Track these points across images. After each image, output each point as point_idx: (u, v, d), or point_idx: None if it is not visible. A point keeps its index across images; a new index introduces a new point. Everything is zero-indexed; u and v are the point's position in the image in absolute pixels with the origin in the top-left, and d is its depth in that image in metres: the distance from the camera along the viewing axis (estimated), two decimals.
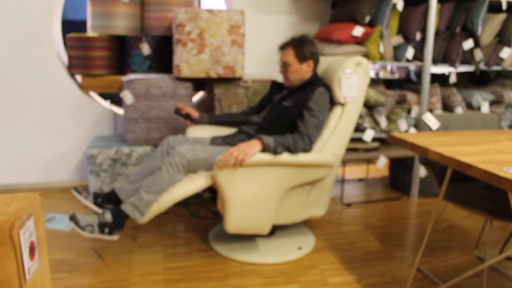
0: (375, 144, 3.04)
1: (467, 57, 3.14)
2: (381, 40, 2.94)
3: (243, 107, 2.91)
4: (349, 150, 2.98)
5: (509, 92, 3.24)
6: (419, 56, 3.08)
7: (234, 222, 2.07)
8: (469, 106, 3.20)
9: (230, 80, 2.89)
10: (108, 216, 2.02)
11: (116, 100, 3.42)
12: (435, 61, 3.12)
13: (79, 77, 3.19)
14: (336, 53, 2.83)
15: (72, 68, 3.05)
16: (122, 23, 2.97)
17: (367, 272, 2.16)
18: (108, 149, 2.74)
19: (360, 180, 3.68)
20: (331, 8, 3.51)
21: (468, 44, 3.08)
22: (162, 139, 2.83)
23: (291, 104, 2.22)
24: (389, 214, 2.92)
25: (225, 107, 2.89)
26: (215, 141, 2.35)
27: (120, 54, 3.18)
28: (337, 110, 2.26)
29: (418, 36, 2.99)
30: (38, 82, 3.08)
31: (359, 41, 2.91)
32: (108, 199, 2.22)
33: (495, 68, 3.22)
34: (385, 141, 3.23)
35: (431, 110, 3.13)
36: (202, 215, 2.79)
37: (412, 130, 3.07)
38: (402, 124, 3.01)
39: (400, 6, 2.92)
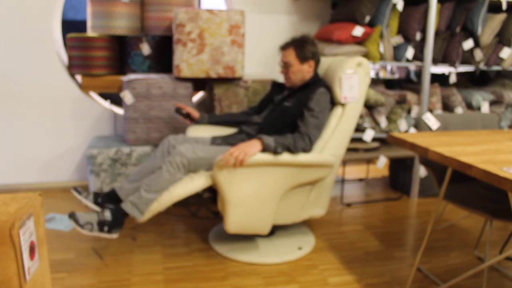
0: (375, 144, 3.04)
1: (467, 57, 3.14)
2: (381, 40, 2.94)
3: (243, 107, 2.91)
4: (349, 150, 2.98)
5: (509, 92, 3.24)
6: (419, 56, 3.08)
7: (234, 222, 2.07)
8: (469, 106, 3.20)
9: (230, 80, 2.89)
10: (107, 215, 2.02)
11: (116, 100, 3.42)
12: (435, 61, 3.12)
13: (79, 77, 3.19)
14: (336, 53, 2.83)
15: (72, 68, 3.05)
16: (122, 23, 2.97)
17: (367, 272, 2.16)
18: (108, 149, 2.74)
19: (360, 180, 3.68)
20: (331, 8, 3.51)
21: (468, 44, 3.08)
22: (162, 139, 2.83)
23: (291, 105, 2.22)
24: (389, 214, 2.92)
25: (225, 107, 2.89)
26: (216, 141, 2.35)
27: (120, 54, 3.18)
28: (337, 110, 2.26)
29: (418, 36, 2.99)
30: (38, 82, 3.08)
31: (359, 41, 2.91)
32: (108, 199, 2.22)
33: (495, 68, 3.22)
34: (385, 141, 3.23)
35: (431, 110, 3.13)
36: (202, 215, 2.79)
37: (412, 130, 3.07)
38: (402, 124, 3.01)
39: (400, 6, 2.92)
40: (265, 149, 1.99)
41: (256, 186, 2.04)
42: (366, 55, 2.90)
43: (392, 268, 2.20)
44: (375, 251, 2.38)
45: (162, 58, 3.13)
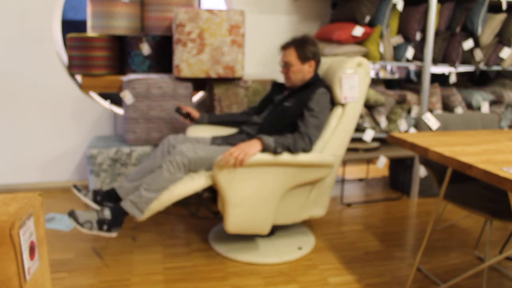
0: (375, 144, 3.04)
1: (467, 57, 3.14)
2: (381, 40, 2.94)
3: (243, 107, 2.91)
4: (349, 150, 2.98)
5: (509, 92, 3.24)
6: (419, 56, 3.08)
7: (234, 222, 2.07)
8: (469, 106, 3.20)
9: (230, 80, 2.89)
10: (107, 213, 2.01)
11: (116, 100, 3.42)
12: (435, 61, 3.12)
13: (79, 77, 3.19)
14: (336, 53, 2.83)
15: (72, 68, 3.05)
16: (122, 23, 2.97)
17: (367, 272, 2.16)
18: (108, 149, 2.74)
19: (360, 180, 3.68)
20: (331, 8, 3.51)
21: (468, 44, 3.08)
22: (162, 139, 2.83)
23: (292, 105, 2.22)
24: (389, 214, 2.92)
25: (225, 107, 2.89)
26: (216, 141, 2.35)
27: (120, 54, 3.18)
28: (337, 110, 2.26)
29: (418, 36, 2.99)
30: (38, 82, 3.08)
31: (359, 41, 2.91)
32: (108, 197, 2.22)
33: (495, 68, 3.22)
34: (385, 141, 3.23)
35: (431, 110, 3.13)
36: (202, 215, 2.79)
37: (412, 130, 3.07)
38: (402, 124, 3.01)
39: (400, 6, 2.92)
40: (265, 149, 1.99)
41: (256, 186, 2.04)
42: (366, 55, 2.90)
43: (392, 268, 2.20)
44: (375, 251, 2.38)
45: (162, 58, 3.13)
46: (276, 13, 3.42)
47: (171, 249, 2.34)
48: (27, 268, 1.17)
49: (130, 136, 2.80)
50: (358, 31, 2.81)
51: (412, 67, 3.79)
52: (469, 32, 3.11)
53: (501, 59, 3.20)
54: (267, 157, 2.00)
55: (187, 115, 2.49)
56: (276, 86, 2.47)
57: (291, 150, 2.05)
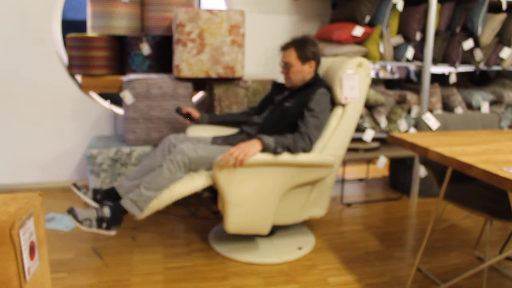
0: (375, 144, 3.04)
1: (467, 57, 3.14)
2: (381, 40, 2.94)
3: (243, 107, 2.91)
4: (349, 150, 2.98)
5: (509, 92, 3.24)
6: (419, 56, 3.08)
7: (234, 222, 2.07)
8: (469, 106, 3.20)
9: (230, 80, 2.89)
10: (106, 211, 2.01)
11: (116, 100, 3.42)
12: (435, 61, 3.12)
13: (79, 77, 3.19)
14: (336, 53, 2.83)
15: (72, 68, 3.05)
16: (122, 23, 2.97)
17: (367, 272, 2.16)
18: (108, 149, 2.74)
19: (360, 180, 3.68)
20: (331, 8, 3.51)
21: (468, 44, 3.08)
22: (162, 139, 2.83)
23: (292, 105, 2.22)
24: (389, 214, 2.92)
25: (225, 107, 2.89)
26: (216, 141, 2.35)
27: (120, 54, 3.18)
28: (338, 110, 2.26)
29: (418, 36, 2.99)
30: (38, 82, 3.08)
31: (359, 41, 2.91)
32: (107, 196, 2.21)
33: (495, 68, 3.22)
34: (385, 141, 3.23)
35: (431, 110, 3.13)
36: (202, 215, 2.79)
37: (412, 130, 3.07)
38: (402, 124, 3.01)
39: (400, 6, 2.92)
40: (265, 149, 1.99)
41: (256, 186, 2.04)
42: (366, 55, 2.90)
43: (392, 268, 2.20)
44: (375, 251, 2.38)
45: (162, 58, 3.13)
46: (276, 13, 3.42)
47: (171, 249, 2.34)
48: (27, 268, 1.17)
49: (130, 136, 2.80)
50: (358, 31, 2.81)
51: (412, 67, 3.79)
52: (469, 32, 3.11)
53: (501, 59, 3.20)
54: (267, 157, 2.00)
55: (187, 115, 2.49)
56: (276, 86, 2.47)
57: (291, 150, 2.05)
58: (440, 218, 2.87)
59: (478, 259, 2.32)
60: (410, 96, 3.09)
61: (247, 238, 2.43)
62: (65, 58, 3.23)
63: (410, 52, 2.99)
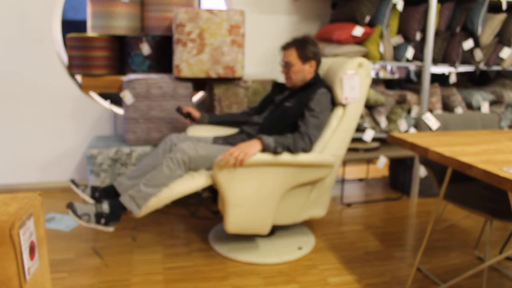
0: (375, 144, 3.04)
1: (467, 57, 3.14)
2: (381, 40, 2.94)
3: (243, 107, 2.91)
4: (349, 150, 2.98)
5: (509, 92, 3.24)
6: (419, 56, 3.08)
7: (234, 222, 2.07)
8: (469, 106, 3.20)
9: (230, 80, 2.89)
10: (105, 207, 2.01)
11: (116, 100, 3.42)
12: (435, 61, 3.12)
13: (79, 77, 3.19)
14: (336, 53, 2.83)
15: (72, 68, 3.05)
16: (122, 23, 2.97)
17: (367, 272, 2.16)
18: (108, 149, 2.74)
19: (360, 180, 3.68)
20: (331, 8, 3.51)
21: (468, 44, 3.08)
22: (162, 139, 2.83)
23: (292, 105, 2.22)
24: (389, 214, 2.92)
25: (225, 107, 2.89)
26: (217, 141, 2.35)
27: (120, 54, 3.18)
28: (338, 111, 2.26)
29: (418, 36, 2.99)
30: (38, 82, 3.08)
31: (359, 41, 2.91)
32: (106, 194, 2.20)
33: (495, 68, 3.22)
34: (385, 141, 3.23)
35: (431, 110, 3.13)
36: (202, 215, 2.79)
37: (412, 130, 3.07)
38: (402, 124, 3.01)
39: (400, 6, 2.92)
40: (265, 149, 1.99)
41: (256, 186, 2.04)
42: (366, 55, 2.90)
43: (392, 268, 2.20)
44: (375, 251, 2.38)
45: (162, 58, 3.13)
46: (276, 13, 3.42)
47: (171, 249, 2.34)
48: (27, 268, 1.17)
49: (130, 136, 2.80)
50: (358, 31, 2.81)
51: (412, 67, 3.79)
52: (469, 32, 3.11)
53: (501, 59, 3.20)
54: (267, 157, 2.00)
55: (188, 115, 2.49)
56: (277, 86, 2.47)
57: (291, 150, 2.05)
58: (440, 218, 2.87)
59: (478, 259, 2.32)
60: (410, 96, 3.09)
61: (247, 238, 2.43)
62: (65, 58, 3.23)
63: (410, 52, 2.99)
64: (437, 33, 3.07)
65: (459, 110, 3.12)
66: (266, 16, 3.40)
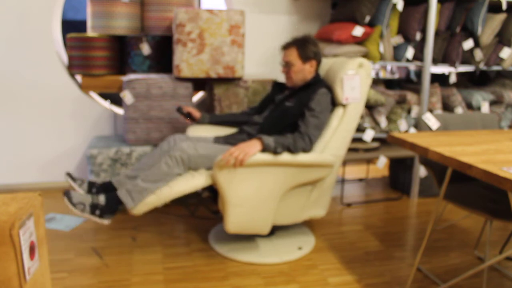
0: (375, 144, 3.04)
1: (467, 57, 3.14)
2: (381, 40, 2.94)
3: (243, 107, 2.91)
4: (349, 150, 2.98)
5: (509, 92, 3.24)
6: (419, 56, 3.08)
7: (234, 222, 2.07)
8: (469, 106, 3.20)
9: (230, 80, 2.89)
10: (101, 199, 2.00)
11: (116, 100, 3.42)
12: (435, 61, 3.12)
13: (79, 77, 3.19)
14: (336, 53, 2.83)
15: (72, 68, 3.05)
16: (122, 23, 2.97)
17: (367, 272, 2.16)
18: (108, 149, 2.74)
19: (360, 180, 3.68)
20: (331, 8, 3.51)
21: (468, 44, 3.08)
22: (162, 139, 2.83)
23: (293, 105, 2.22)
24: (389, 214, 2.92)
25: (225, 107, 2.89)
26: (217, 141, 2.35)
27: (120, 54, 3.18)
28: (339, 111, 2.26)
29: (418, 36, 2.99)
30: (38, 82, 3.08)
31: (359, 41, 2.91)
32: (103, 190, 2.19)
33: (495, 68, 3.22)
34: (385, 141, 3.23)
35: (431, 110, 3.13)
36: (202, 215, 2.79)
37: (412, 130, 3.07)
38: (402, 124, 3.01)
39: (400, 6, 2.92)
40: (265, 149, 1.99)
41: (256, 186, 2.04)
42: (366, 55, 2.90)
43: (392, 268, 2.20)
44: (375, 251, 2.38)
45: (162, 58, 3.13)
46: (276, 13, 3.42)
47: (171, 249, 2.34)
48: (27, 268, 1.17)
49: (130, 136, 2.80)
50: (358, 31, 2.81)
51: (412, 67, 3.79)
52: (469, 32, 3.11)
53: (501, 59, 3.20)
54: (267, 157, 2.00)
55: (188, 115, 2.49)
56: (277, 86, 2.47)
57: (291, 150, 2.05)
58: (440, 218, 2.87)
59: (478, 259, 2.32)
60: (410, 96, 3.09)
61: (247, 238, 2.43)
62: (65, 58, 3.23)
63: (410, 52, 2.99)
64: (437, 33, 3.07)
65: (459, 110, 3.12)
66: (266, 16, 3.40)
